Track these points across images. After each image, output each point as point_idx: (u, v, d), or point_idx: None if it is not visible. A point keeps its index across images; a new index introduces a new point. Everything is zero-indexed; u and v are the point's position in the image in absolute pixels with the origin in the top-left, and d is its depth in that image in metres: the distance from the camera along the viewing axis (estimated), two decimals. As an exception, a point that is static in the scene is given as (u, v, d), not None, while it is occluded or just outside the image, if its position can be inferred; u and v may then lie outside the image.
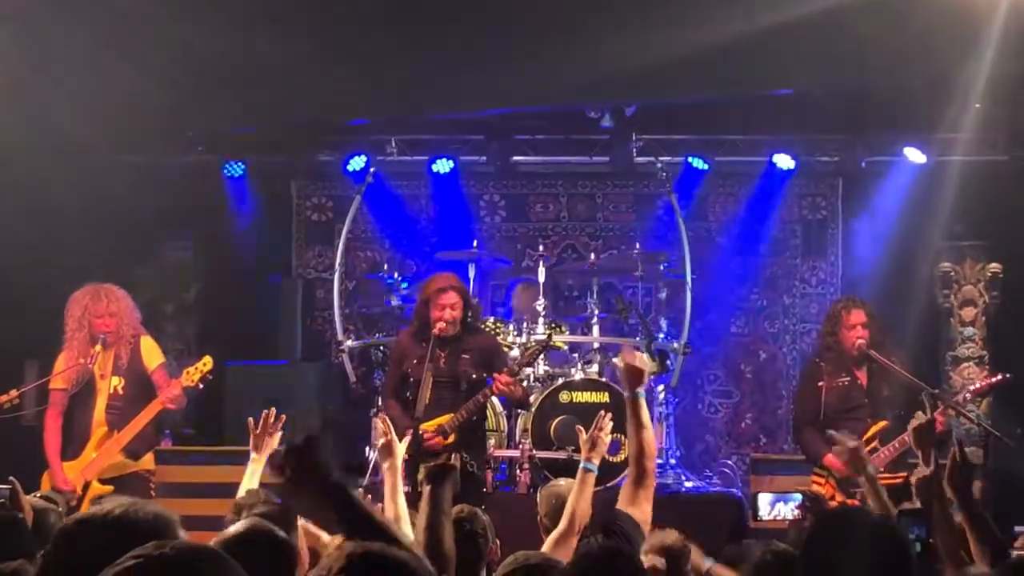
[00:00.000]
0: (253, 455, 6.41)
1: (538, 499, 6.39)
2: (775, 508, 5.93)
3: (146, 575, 2.62)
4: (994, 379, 9.14)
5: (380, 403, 9.93)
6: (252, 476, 6.30)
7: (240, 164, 12.40)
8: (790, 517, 5.84)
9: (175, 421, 10.81)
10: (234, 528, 3.94)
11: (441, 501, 4.50)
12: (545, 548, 5.73)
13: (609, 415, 6.25)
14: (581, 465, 6.02)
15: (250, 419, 6.50)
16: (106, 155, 11.31)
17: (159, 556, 2.64)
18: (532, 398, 9.92)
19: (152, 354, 9.51)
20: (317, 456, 3.53)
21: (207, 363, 9.28)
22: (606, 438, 6.11)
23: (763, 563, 4.70)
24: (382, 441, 5.74)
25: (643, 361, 6.21)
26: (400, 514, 5.34)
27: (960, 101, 10.23)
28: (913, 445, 5.32)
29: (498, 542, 5.53)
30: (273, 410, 6.53)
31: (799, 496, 5.86)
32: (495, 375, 8.75)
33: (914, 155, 11.87)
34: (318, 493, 3.49)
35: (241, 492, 5.97)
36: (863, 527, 3.90)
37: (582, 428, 6.17)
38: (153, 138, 11.61)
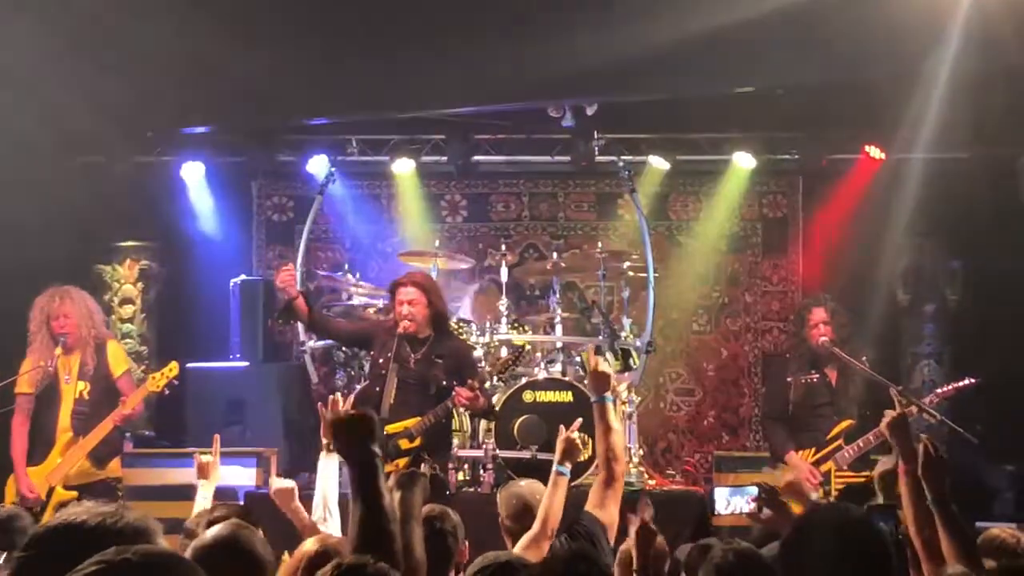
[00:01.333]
0: (201, 482, 6.36)
1: (498, 500, 6.34)
2: (731, 502, 5.89)
3: None
4: (960, 383, 9.19)
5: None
6: (204, 501, 6.25)
7: (199, 164, 12.32)
8: (746, 510, 5.80)
9: (135, 424, 10.73)
10: (211, 533, 3.90)
11: (411, 507, 4.46)
12: (516, 550, 5.71)
13: (580, 420, 6.24)
14: (554, 468, 5.98)
15: (197, 453, 6.48)
16: (64, 156, 11.22)
17: (121, 561, 2.60)
18: (495, 398, 9.89)
19: (118, 360, 9.46)
20: (368, 428, 3.60)
21: (173, 369, 9.24)
22: (580, 442, 6.09)
23: (725, 564, 4.67)
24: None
25: (608, 366, 6.22)
26: None
27: (922, 99, 10.26)
28: (889, 439, 5.32)
29: (467, 543, 5.49)
30: (218, 437, 6.54)
31: (754, 489, 5.83)
32: (456, 388, 8.69)
33: (875, 153, 11.90)
34: (351, 459, 3.56)
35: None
36: (844, 524, 3.90)
37: (563, 427, 6.12)
38: (111, 139, 11.51)
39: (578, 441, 6.07)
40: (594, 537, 5.67)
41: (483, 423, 9.95)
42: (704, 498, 9.75)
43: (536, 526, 5.77)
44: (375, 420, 3.75)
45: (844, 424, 9.01)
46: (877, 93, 10.58)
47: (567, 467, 6.00)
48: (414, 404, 8.77)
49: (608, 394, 6.08)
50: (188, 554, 3.80)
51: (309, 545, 4.61)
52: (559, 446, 6.04)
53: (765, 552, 4.85)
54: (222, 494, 9.29)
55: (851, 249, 12.01)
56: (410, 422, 8.67)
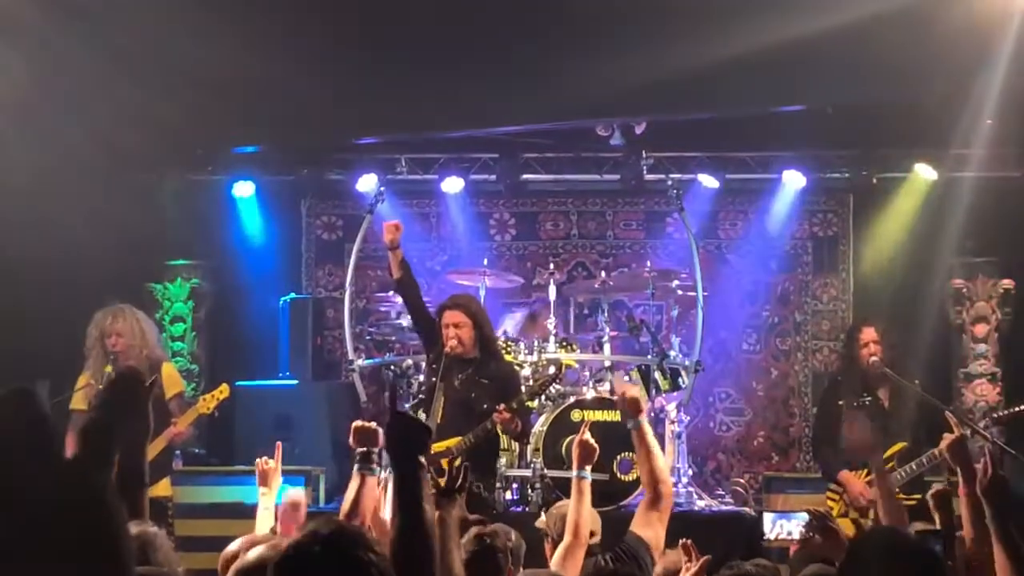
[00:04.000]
0: (262, 490, 6.30)
1: (546, 521, 6.33)
2: (776, 526, 5.85)
3: None
4: (1018, 409, 9.09)
5: None
6: (266, 512, 6.21)
7: (250, 182, 12.39)
8: (796, 536, 5.76)
9: (185, 441, 10.79)
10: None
11: (448, 527, 4.44)
12: (554, 563, 5.71)
13: (590, 422, 6.20)
14: (575, 474, 5.97)
15: (259, 460, 6.42)
16: (116, 174, 11.30)
17: None
18: (543, 417, 9.88)
19: (171, 382, 9.50)
20: (422, 439, 3.64)
21: (224, 391, 9.30)
22: (594, 443, 6.05)
23: None
24: None
25: (636, 390, 6.20)
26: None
27: (972, 117, 10.20)
28: (950, 461, 5.29)
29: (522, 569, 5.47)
30: (280, 444, 6.49)
31: (804, 515, 5.79)
32: (497, 408, 8.68)
33: (926, 171, 11.84)
34: (399, 467, 3.54)
35: (259, 528, 5.88)
36: (899, 547, 3.88)
37: (573, 437, 6.10)
38: (163, 157, 11.60)
39: (591, 441, 6.02)
40: (638, 557, 5.66)
41: (531, 443, 9.93)
42: (754, 519, 9.71)
43: (568, 536, 5.77)
44: (429, 434, 3.73)
45: (897, 447, 8.93)
46: (928, 111, 10.53)
47: (588, 471, 5.98)
48: (459, 424, 8.75)
49: (642, 417, 6.04)
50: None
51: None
52: (575, 451, 6.02)
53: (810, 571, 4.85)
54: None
55: (902, 268, 11.94)
56: (452, 442, 8.67)
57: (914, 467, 8.68)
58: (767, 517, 5.87)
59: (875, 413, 9.18)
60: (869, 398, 9.21)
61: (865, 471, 8.96)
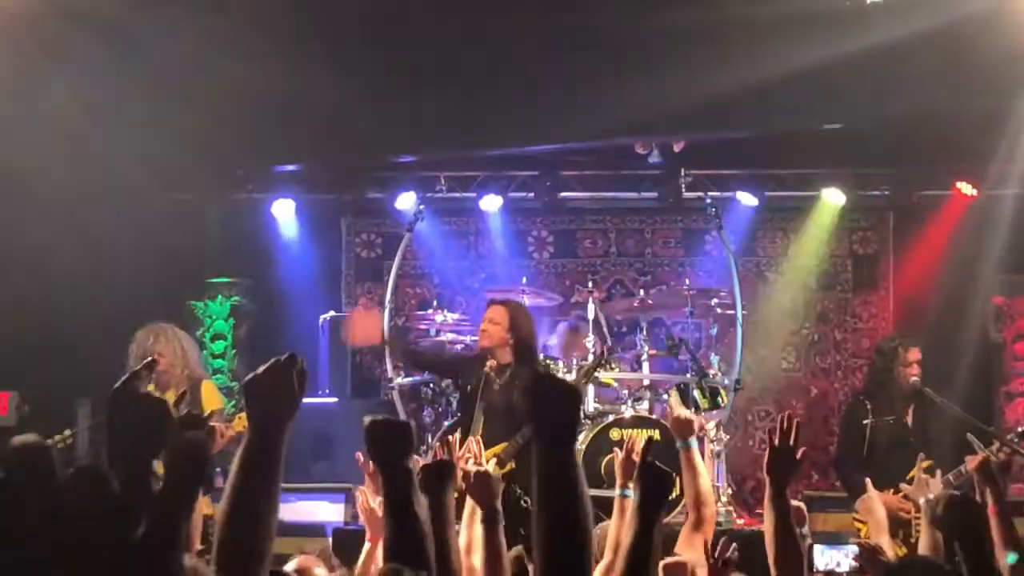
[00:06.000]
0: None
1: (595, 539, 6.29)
2: (825, 555, 5.82)
3: None
4: None
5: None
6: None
7: (290, 201, 12.45)
8: (847, 569, 5.72)
9: (224, 460, 10.83)
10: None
11: (443, 509, 4.23)
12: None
13: (639, 439, 6.08)
14: (617, 493, 5.87)
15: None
16: (156, 194, 11.38)
17: None
18: (582, 436, 9.86)
19: (211, 399, 9.51)
20: (407, 440, 3.60)
21: None
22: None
23: None
24: (471, 463, 5.57)
25: (690, 411, 6.16)
26: (474, 542, 5.19)
27: (1012, 134, 10.17)
28: (977, 483, 5.27)
29: None
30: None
31: (854, 547, 5.76)
32: None
33: (966, 188, 11.79)
34: (385, 468, 3.54)
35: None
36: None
37: (617, 450, 6.01)
38: (203, 176, 11.68)
39: (636, 460, 5.87)
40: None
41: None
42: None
43: (608, 555, 5.68)
44: (412, 434, 3.69)
45: (923, 465, 8.90)
46: (968, 129, 10.49)
47: (630, 489, 5.83)
48: (502, 432, 8.72)
49: (692, 438, 6.02)
50: None
51: None
52: (618, 468, 5.87)
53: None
54: (310, 530, 9.42)
55: (942, 286, 11.88)
56: (499, 447, 8.64)
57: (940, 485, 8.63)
58: (817, 549, 5.82)
59: (897, 431, 9.14)
60: (893, 416, 9.18)
61: (891, 491, 8.91)
